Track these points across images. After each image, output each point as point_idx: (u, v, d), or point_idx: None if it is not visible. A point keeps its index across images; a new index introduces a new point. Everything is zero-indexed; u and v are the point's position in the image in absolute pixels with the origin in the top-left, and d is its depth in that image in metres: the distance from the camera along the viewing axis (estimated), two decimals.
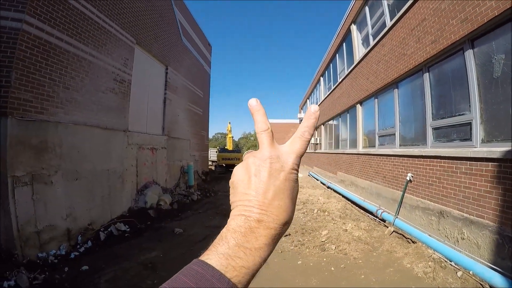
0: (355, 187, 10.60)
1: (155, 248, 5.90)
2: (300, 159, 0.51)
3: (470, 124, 4.81)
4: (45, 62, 5.44)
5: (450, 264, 4.41)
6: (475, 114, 4.68)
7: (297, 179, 0.50)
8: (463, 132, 5.00)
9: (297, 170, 0.50)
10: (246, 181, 0.48)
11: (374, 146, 8.99)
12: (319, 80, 19.61)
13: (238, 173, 0.51)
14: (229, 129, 43.02)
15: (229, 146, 41.28)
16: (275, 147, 0.51)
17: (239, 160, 27.05)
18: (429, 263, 4.53)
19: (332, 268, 4.85)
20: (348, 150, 11.81)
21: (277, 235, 0.46)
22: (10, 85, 4.72)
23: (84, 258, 5.30)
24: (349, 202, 10.00)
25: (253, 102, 0.54)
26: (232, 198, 0.50)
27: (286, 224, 0.47)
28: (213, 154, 37.82)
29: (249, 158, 0.51)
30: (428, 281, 4.13)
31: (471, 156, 4.57)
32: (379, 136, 8.69)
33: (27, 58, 5.03)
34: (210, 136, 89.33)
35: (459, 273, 4.10)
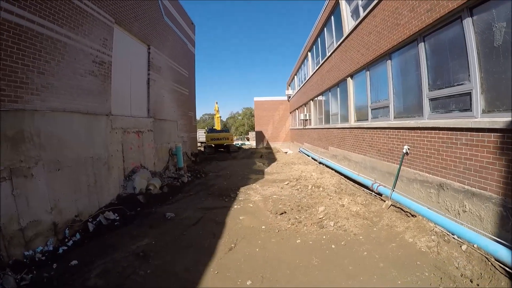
0: (348, 161, 10.50)
1: (147, 235, 5.68)
2: None
3: (470, 94, 4.62)
4: (16, 46, 4.97)
5: (453, 238, 4.33)
6: (475, 84, 4.49)
7: None
8: (463, 103, 4.82)
9: None
10: None
11: (367, 120, 8.81)
12: (306, 55, 19.15)
13: None
14: (217, 109, 42.48)
15: (218, 126, 40.91)
16: None
17: (228, 139, 26.83)
18: (432, 237, 4.44)
19: (333, 246, 4.74)
20: (340, 125, 11.64)
21: None
22: None
23: (73, 252, 5.04)
24: (343, 177, 9.93)
25: None
26: None
27: None
28: (201, 135, 37.48)
29: None
30: (433, 256, 4.04)
31: (472, 126, 4.41)
32: (371, 109, 8.49)
33: None
34: (198, 117, 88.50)
35: (464, 247, 4.01)
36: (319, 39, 15.57)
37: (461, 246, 4.07)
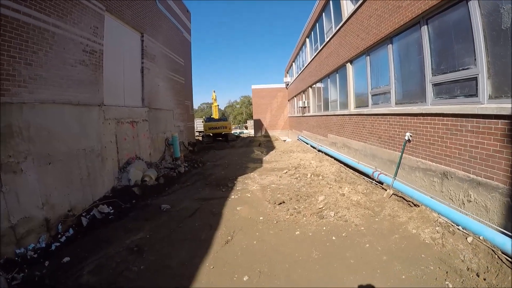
0: (347, 149, 10.33)
1: (142, 228, 5.51)
2: None
3: (475, 79, 4.40)
4: (2, 38, 4.72)
5: (458, 229, 4.17)
6: (481, 68, 4.27)
7: None
8: (468, 88, 4.60)
9: None
10: None
11: (367, 106, 8.60)
12: (304, 41, 18.77)
13: None
14: (214, 98, 42.15)
15: (215, 115, 40.66)
16: None
17: (226, 128, 26.59)
18: (436, 228, 4.28)
19: (334, 238, 4.58)
20: (339, 111, 11.43)
21: None
22: None
23: (66, 248, 4.86)
24: (343, 165, 9.77)
25: None
26: None
27: None
28: (199, 125, 37.26)
29: None
30: (437, 248, 3.89)
31: (478, 113, 4.21)
32: (372, 95, 8.27)
33: None
34: (196, 106, 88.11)
35: (469, 239, 3.86)
36: (317, 24, 15.21)
37: (466, 238, 3.91)
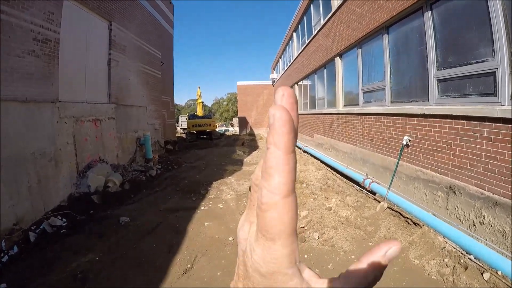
0: (335, 151, 9.48)
1: (93, 247, 4.59)
2: None
3: (494, 74, 3.57)
4: None
5: (469, 259, 3.33)
6: (501, 61, 3.44)
7: None
8: (484, 85, 3.77)
9: None
10: None
11: (357, 104, 7.74)
12: (291, 36, 17.88)
13: None
14: (199, 94, 40.75)
15: (200, 111, 39.42)
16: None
17: (210, 126, 25.54)
18: (445, 259, 3.42)
19: (317, 270, 3.66)
20: (326, 110, 10.57)
21: None
22: None
23: (7, 271, 4.05)
24: (330, 170, 8.90)
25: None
26: None
27: None
28: (184, 122, 35.99)
29: None
30: (447, 286, 3.02)
31: (499, 116, 3.37)
32: (363, 93, 7.41)
33: None
34: (183, 103, 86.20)
35: (486, 276, 3.02)
36: (304, 17, 14.35)
37: (482, 274, 3.08)
